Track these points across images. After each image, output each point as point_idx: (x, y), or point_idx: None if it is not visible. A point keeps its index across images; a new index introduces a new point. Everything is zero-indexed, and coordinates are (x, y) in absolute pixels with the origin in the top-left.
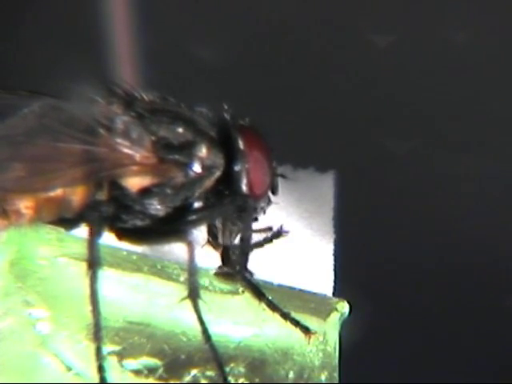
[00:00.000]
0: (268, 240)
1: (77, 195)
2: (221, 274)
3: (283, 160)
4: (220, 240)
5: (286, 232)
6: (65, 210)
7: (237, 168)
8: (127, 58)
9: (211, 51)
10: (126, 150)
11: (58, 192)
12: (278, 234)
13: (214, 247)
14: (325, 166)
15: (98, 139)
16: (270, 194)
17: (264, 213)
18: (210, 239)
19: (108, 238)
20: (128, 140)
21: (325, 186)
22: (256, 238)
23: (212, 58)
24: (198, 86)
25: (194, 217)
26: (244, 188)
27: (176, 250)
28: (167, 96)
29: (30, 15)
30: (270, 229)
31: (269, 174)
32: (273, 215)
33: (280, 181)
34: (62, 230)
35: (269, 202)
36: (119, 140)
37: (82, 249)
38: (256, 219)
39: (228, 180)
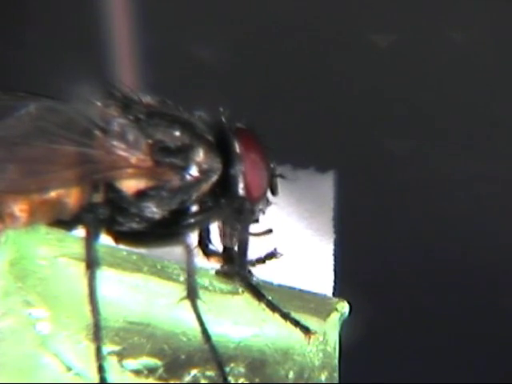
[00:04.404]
0: (260, 260)
1: (72, 198)
2: (221, 273)
3: (283, 160)
4: (212, 247)
5: (281, 254)
6: (60, 212)
7: (233, 171)
8: (127, 58)
9: (211, 51)
10: (121, 153)
11: (53, 194)
12: (272, 255)
13: (207, 256)
14: (325, 166)
15: (93, 141)
16: (268, 195)
17: (263, 214)
18: (202, 248)
19: (108, 239)
20: (124, 142)
21: (325, 186)
22: (256, 240)
23: (212, 57)
24: (197, 86)
25: (190, 220)
26: (241, 191)
27: (176, 249)
28: (165, 99)
29: (29, 15)
30: (270, 231)
31: (266, 176)
32: (273, 215)
33: (280, 181)
34: (61, 230)
35: (267, 203)
36: (115, 142)
37: (81, 249)
38: (257, 221)
39: (225, 183)
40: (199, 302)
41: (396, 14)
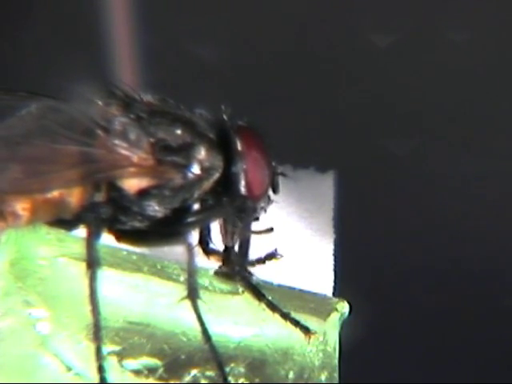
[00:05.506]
0: (260, 260)
1: (74, 197)
2: (221, 273)
3: (283, 160)
4: (212, 246)
5: (281, 255)
6: (62, 211)
7: (235, 169)
8: (127, 57)
9: (211, 51)
10: (123, 152)
11: (55, 193)
12: (272, 255)
13: (207, 255)
14: (325, 166)
15: (95, 140)
16: (270, 193)
17: (265, 212)
18: (203, 246)
19: (108, 238)
20: (126, 141)
21: (325, 185)
22: (256, 241)
23: (212, 57)
24: (197, 85)
25: (192, 218)
26: (242, 189)
27: (176, 249)
28: (166, 98)
29: (29, 15)
30: (271, 229)
31: (268, 174)
32: (273, 215)
33: (280, 180)
34: (61, 230)
35: (269, 201)
36: (117, 141)
37: (82, 249)
38: (257, 219)
39: (227, 181)
40: (199, 302)
41: (396, 14)
